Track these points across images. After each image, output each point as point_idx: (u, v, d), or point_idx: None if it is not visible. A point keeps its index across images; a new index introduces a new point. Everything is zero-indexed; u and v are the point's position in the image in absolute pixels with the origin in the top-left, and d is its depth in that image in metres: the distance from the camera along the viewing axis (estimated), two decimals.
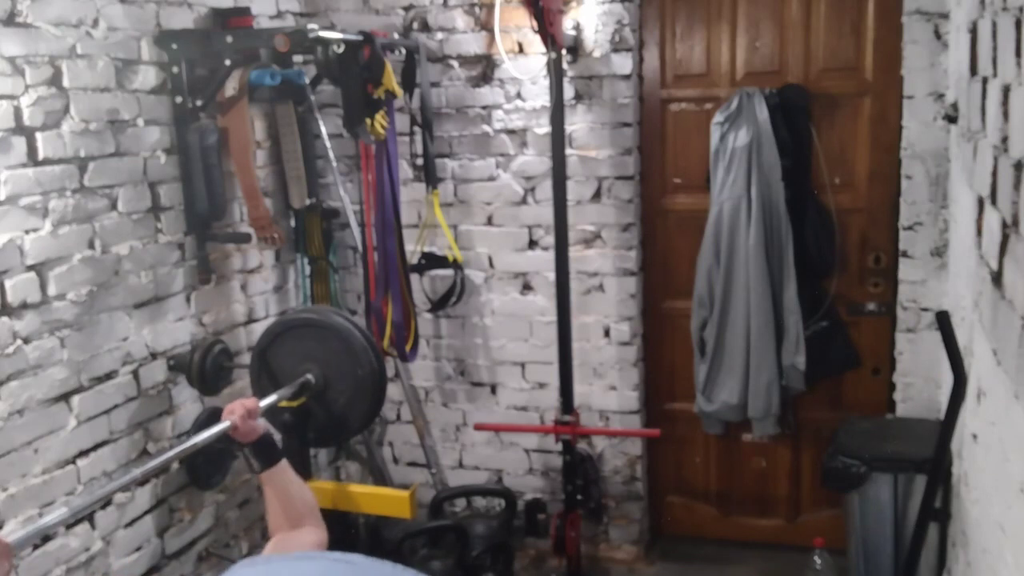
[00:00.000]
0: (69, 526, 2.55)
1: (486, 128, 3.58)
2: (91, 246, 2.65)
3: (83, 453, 2.63)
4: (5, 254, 2.37)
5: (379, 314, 3.25)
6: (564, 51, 3.27)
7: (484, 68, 3.54)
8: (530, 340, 3.68)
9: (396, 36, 3.49)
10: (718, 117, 3.33)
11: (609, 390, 3.63)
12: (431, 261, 3.63)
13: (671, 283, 3.64)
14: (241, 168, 3.10)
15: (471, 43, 3.53)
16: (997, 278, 1.83)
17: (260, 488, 3.33)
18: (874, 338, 3.45)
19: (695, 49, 3.46)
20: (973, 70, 2.31)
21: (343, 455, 3.97)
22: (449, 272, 3.64)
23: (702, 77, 3.47)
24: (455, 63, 3.56)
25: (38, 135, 2.46)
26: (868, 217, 3.38)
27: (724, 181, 3.31)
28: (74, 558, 2.59)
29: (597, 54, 3.40)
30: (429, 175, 3.52)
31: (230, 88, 2.99)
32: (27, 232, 2.43)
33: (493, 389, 3.78)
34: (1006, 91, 1.76)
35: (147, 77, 2.86)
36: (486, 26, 3.48)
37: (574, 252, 3.48)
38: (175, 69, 2.90)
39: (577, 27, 3.38)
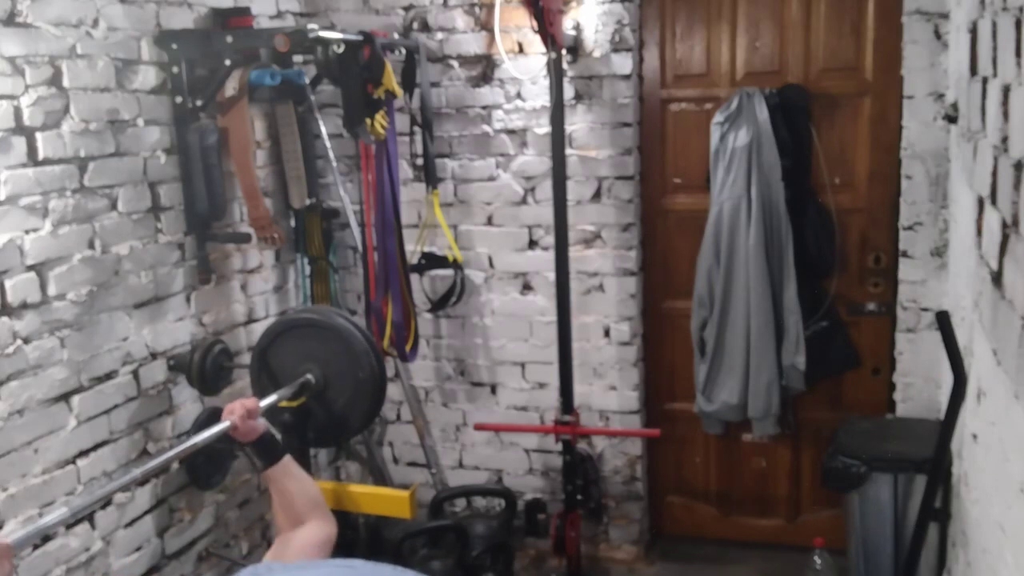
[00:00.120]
0: (69, 526, 2.55)
1: (486, 128, 3.58)
2: (91, 246, 2.65)
3: (83, 453, 2.63)
4: (5, 254, 2.37)
5: (379, 314, 3.25)
6: (564, 51, 3.27)
7: (484, 68, 3.54)
8: (530, 340, 3.68)
9: (396, 36, 3.49)
10: (718, 117, 3.33)
11: (609, 390, 3.63)
12: (431, 261, 3.63)
13: (671, 283, 3.64)
14: (241, 168, 3.10)
15: (471, 43, 3.53)
16: (997, 278, 1.82)
17: (261, 487, 3.37)
18: (874, 338, 3.46)
19: (695, 49, 3.46)
20: (973, 70, 2.31)
21: (343, 455, 3.97)
22: (449, 272, 3.64)
23: (702, 77, 3.47)
24: (455, 63, 3.56)
25: (38, 135, 2.45)
26: (868, 217, 3.38)
27: (724, 181, 3.31)
28: (74, 558, 2.59)
29: (597, 54, 3.40)
30: (429, 175, 3.52)
31: (230, 88, 2.99)
32: (27, 232, 2.43)
33: (493, 389, 3.78)
34: (1006, 91, 1.76)
35: (147, 77, 2.85)
36: (486, 26, 3.48)
37: (574, 252, 3.48)
38: (175, 69, 2.90)
39: (577, 27, 3.38)
